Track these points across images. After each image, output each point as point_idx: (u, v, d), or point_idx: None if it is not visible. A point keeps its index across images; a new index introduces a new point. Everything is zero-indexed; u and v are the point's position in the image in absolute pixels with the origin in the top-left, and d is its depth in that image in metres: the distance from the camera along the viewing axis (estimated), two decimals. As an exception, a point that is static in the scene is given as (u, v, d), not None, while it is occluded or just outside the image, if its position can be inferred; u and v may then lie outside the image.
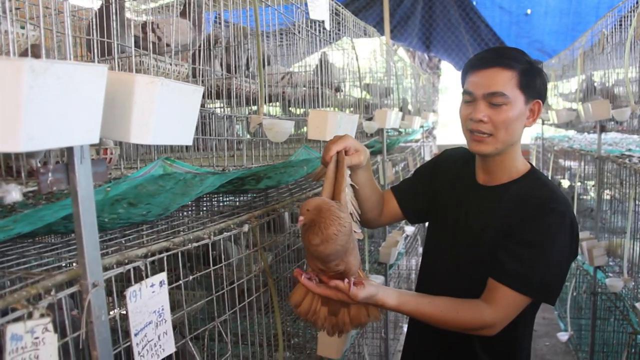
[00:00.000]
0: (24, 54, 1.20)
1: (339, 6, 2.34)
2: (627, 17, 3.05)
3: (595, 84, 3.78)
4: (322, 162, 1.47)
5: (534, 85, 1.44)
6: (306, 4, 1.90)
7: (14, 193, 0.80)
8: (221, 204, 2.44)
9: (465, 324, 1.39)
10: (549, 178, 5.15)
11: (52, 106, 0.70)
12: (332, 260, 1.29)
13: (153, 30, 1.64)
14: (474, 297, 1.44)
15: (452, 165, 1.69)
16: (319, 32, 2.14)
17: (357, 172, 1.52)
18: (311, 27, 2.09)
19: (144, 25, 1.67)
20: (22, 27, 1.43)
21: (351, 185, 1.50)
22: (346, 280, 1.30)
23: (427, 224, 1.79)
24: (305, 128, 2.44)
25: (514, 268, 1.38)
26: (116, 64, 1.23)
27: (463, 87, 1.52)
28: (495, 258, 1.42)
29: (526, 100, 1.43)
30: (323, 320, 1.42)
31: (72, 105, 0.73)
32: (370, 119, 2.95)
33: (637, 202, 2.88)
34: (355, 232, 1.37)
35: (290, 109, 2.48)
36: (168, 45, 1.61)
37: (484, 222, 1.50)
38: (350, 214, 1.40)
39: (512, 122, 1.42)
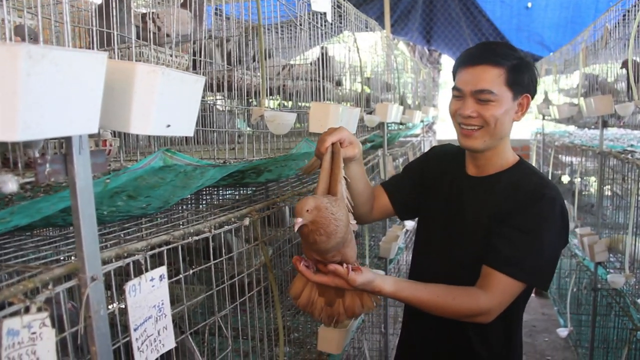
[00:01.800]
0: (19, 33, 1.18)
1: (341, -2, 2.32)
2: (631, 11, 3.03)
3: (599, 78, 3.76)
4: (316, 153, 1.45)
5: (521, 81, 1.46)
6: (308, -4, 1.88)
7: (10, 184, 0.78)
8: (221, 198, 2.42)
9: (461, 310, 1.40)
10: (550, 174, 5.17)
11: (50, 94, 0.68)
12: (330, 252, 1.29)
13: (153, 21, 1.62)
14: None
15: (442, 160, 1.72)
16: (321, 24, 2.12)
17: (349, 166, 1.51)
18: (313, 19, 2.07)
19: (143, 16, 1.65)
20: (20, 17, 1.41)
21: (344, 178, 1.48)
22: (345, 265, 1.31)
23: (417, 220, 1.80)
24: (298, 124, 2.42)
25: (507, 254, 1.41)
26: (116, 54, 1.20)
27: (454, 82, 1.54)
28: (488, 245, 1.45)
29: (514, 97, 1.46)
30: (320, 311, 1.43)
31: (71, 93, 0.71)
32: (371, 112, 2.93)
33: (639, 197, 2.87)
34: (350, 223, 1.37)
35: (288, 103, 2.46)
36: (168, 35, 1.59)
37: (477, 212, 1.53)
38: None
39: (499, 117, 1.45)
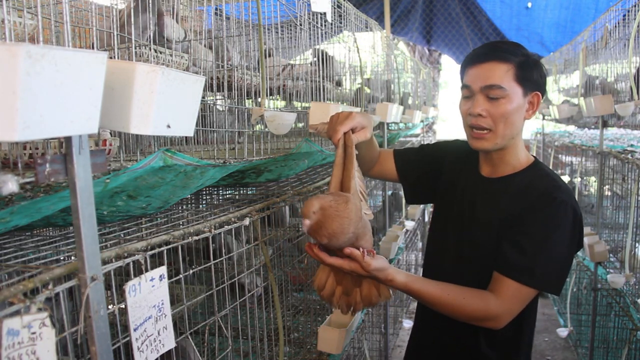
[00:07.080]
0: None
1: (341, -2, 2.32)
2: (632, 11, 3.03)
3: (597, 81, 3.76)
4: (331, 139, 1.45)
5: (531, 77, 1.44)
6: (308, -4, 1.88)
7: (10, 184, 0.78)
8: (221, 198, 2.42)
9: (471, 311, 1.38)
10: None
11: (50, 94, 0.67)
12: (345, 246, 1.29)
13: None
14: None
15: (458, 158, 1.70)
16: (321, 24, 2.12)
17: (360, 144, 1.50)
18: (313, 19, 2.07)
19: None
20: (20, 17, 1.41)
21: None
22: (361, 248, 1.30)
23: (430, 217, 1.80)
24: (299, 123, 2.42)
25: (517, 260, 1.39)
26: (116, 54, 1.20)
27: (462, 82, 1.53)
28: (499, 250, 1.43)
29: (524, 93, 1.44)
30: (338, 299, 1.44)
31: (71, 93, 0.71)
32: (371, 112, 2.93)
33: (639, 197, 2.87)
34: (365, 213, 1.36)
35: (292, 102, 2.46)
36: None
37: (488, 214, 1.51)
38: (360, 192, 1.40)
39: (510, 114, 1.43)
